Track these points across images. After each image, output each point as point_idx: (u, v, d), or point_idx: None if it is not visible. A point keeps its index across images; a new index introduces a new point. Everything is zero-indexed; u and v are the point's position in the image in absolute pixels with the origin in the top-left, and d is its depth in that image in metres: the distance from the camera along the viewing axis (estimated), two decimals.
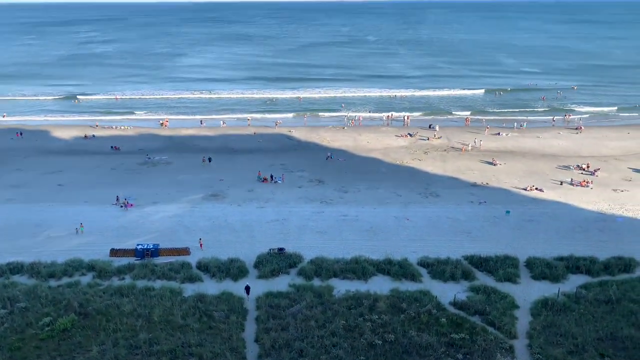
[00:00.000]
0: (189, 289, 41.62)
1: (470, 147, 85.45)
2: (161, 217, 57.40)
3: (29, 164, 78.29)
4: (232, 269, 44.35)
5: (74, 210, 59.14)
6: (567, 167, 74.71)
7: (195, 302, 38.99)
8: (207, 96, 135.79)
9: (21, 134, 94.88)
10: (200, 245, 49.36)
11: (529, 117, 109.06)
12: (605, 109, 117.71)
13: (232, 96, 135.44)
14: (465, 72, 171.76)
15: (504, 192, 65.54)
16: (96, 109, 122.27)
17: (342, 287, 41.97)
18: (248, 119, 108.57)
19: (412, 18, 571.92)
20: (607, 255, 46.66)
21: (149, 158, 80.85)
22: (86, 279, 43.45)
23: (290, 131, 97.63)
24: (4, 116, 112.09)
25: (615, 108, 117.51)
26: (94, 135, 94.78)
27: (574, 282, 42.80)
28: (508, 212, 58.16)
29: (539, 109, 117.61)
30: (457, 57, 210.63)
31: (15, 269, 44.72)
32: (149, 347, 33.41)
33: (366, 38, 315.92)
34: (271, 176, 70.45)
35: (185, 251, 48.39)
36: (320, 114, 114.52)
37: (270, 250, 47.92)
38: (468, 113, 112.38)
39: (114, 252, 48.08)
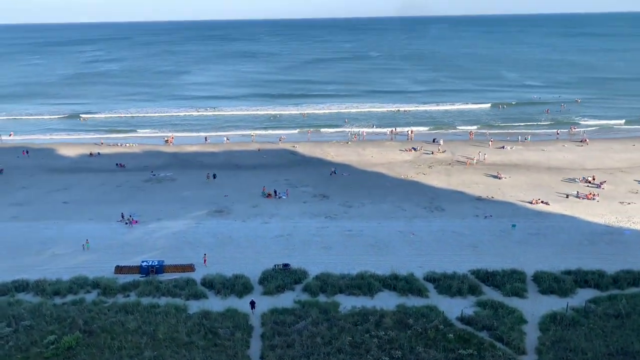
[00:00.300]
0: (194, 306, 41.37)
1: (475, 161, 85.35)
2: (166, 234, 57.36)
3: (35, 182, 78.65)
4: (237, 285, 44.11)
5: (79, 227, 59.22)
6: (573, 180, 74.39)
7: (200, 319, 38.73)
8: (211, 113, 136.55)
9: (27, 152, 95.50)
10: (205, 261, 49.20)
11: (533, 130, 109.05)
12: (611, 121, 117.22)
13: (236, 113, 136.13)
14: (468, 86, 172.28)
15: (510, 205, 65.24)
16: (101, 127, 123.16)
17: (348, 303, 41.62)
18: (252, 135, 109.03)
19: (414, 33, 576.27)
20: (616, 269, 46.15)
21: (154, 175, 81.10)
22: (91, 296, 43.30)
23: (294, 147, 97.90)
24: (10, 135, 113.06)
25: (623, 121, 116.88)
26: (99, 153, 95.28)
27: (582, 297, 42.30)
28: (514, 225, 57.81)
29: (543, 122, 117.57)
30: (460, 72, 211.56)
31: (21, 286, 44.63)
32: None
33: (369, 54, 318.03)
34: (275, 191, 70.46)
35: (190, 268, 48.23)
36: (323, 129, 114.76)
37: (275, 266, 47.68)
38: (473, 127, 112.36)
39: (119, 269, 47.97)
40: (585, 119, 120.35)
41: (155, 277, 46.47)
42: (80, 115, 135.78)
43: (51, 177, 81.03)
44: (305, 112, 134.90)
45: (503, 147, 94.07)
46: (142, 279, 46.19)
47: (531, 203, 65.34)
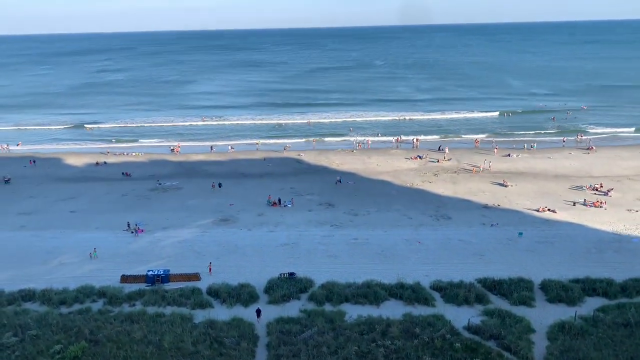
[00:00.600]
0: (200, 315, 41.28)
1: (481, 169, 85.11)
2: (171, 243, 57.42)
3: (42, 191, 79.07)
4: (243, 295, 43.99)
5: (85, 236, 59.40)
6: (580, 188, 73.97)
7: (206, 329, 38.61)
8: (217, 123, 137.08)
9: (34, 161, 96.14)
10: (210, 270, 49.16)
11: (539, 138, 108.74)
12: (619, 129, 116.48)
13: (241, 122, 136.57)
14: (474, 94, 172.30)
15: (516, 213, 64.91)
16: (107, 136, 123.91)
17: (354, 312, 41.39)
18: (257, 144, 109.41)
19: (419, 42, 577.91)
20: (625, 277, 45.72)
21: (160, 184, 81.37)
22: (97, 305, 43.32)
23: (299, 155, 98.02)
24: (19, 144, 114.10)
25: (633, 129, 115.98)
26: (105, 162, 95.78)
27: (591, 305, 41.88)
28: (521, 233, 57.48)
29: (549, 130, 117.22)
30: (465, 80, 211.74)
31: (27, 296, 44.72)
32: None
33: (374, 62, 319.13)
34: (279, 200, 70.46)
35: (195, 277, 48.19)
36: (328, 138, 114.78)
37: (280, 274, 47.56)
38: (478, 135, 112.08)
39: (125, 279, 48.01)
40: (592, 126, 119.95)
41: (161, 286, 46.46)
42: (87, 125, 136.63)
43: (58, 187, 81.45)
44: (311, 120, 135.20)
45: (509, 155, 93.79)
46: (147, 288, 46.20)
47: (538, 211, 64.97)
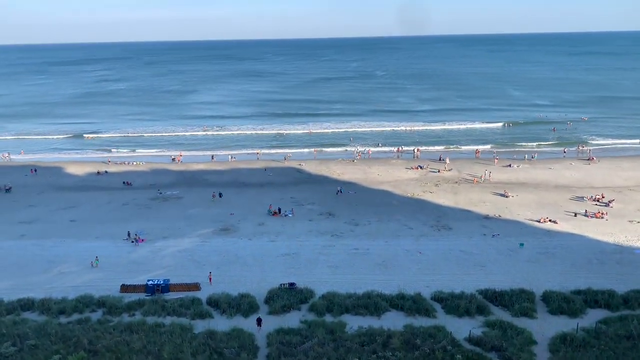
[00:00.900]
0: (199, 326, 41.06)
1: (482, 179, 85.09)
2: (172, 252, 57.28)
3: (42, 200, 79.07)
4: (243, 305, 43.78)
5: (85, 245, 59.29)
6: (581, 199, 73.87)
7: (206, 339, 38.35)
8: (218, 133, 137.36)
9: (35, 170, 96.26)
10: (210, 279, 48.99)
11: (540, 149, 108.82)
12: (621, 140, 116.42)
13: (242, 132, 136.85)
14: (474, 105, 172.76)
15: (517, 224, 64.77)
16: (108, 145, 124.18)
17: (354, 323, 41.16)
18: (258, 153, 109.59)
19: (420, 52, 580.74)
20: (627, 289, 45.48)
21: (160, 193, 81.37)
22: (96, 315, 43.11)
23: (300, 165, 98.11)
24: (21, 153, 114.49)
25: (638, 140, 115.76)
26: (106, 172, 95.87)
27: (592, 317, 41.64)
28: (522, 244, 57.32)
29: (550, 141, 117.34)
30: (466, 90, 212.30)
31: (26, 305, 44.52)
32: None
33: (375, 73, 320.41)
34: (279, 209, 70.39)
35: (195, 286, 48.01)
36: (329, 149, 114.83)
37: (281, 285, 47.37)
38: (479, 146, 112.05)
39: (125, 288, 47.84)
40: (593, 137, 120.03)
41: (161, 296, 46.29)
42: (87, 134, 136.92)
43: (59, 195, 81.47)
44: (311, 131, 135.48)
45: (510, 166, 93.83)
46: (147, 297, 46.02)
47: (539, 222, 64.84)
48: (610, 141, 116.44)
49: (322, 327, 40.15)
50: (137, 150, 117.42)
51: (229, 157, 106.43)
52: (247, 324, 41.24)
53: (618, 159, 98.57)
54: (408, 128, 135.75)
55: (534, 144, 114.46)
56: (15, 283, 49.60)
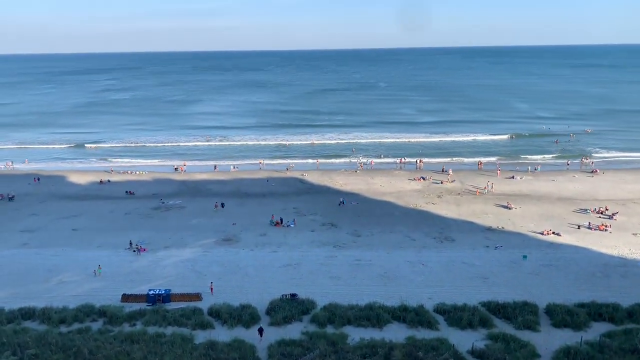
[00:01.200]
0: (200, 336, 40.83)
1: (486, 191, 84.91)
2: (173, 262, 57.13)
3: (45, 209, 79.13)
4: (244, 316, 43.54)
5: (87, 255, 59.20)
6: (584, 211, 73.55)
7: (207, 350, 38.10)
8: (221, 143, 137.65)
9: (38, 179, 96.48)
10: (211, 290, 48.79)
11: (543, 161, 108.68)
12: (625, 153, 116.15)
13: (245, 143, 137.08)
14: (477, 117, 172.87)
15: (520, 236, 64.48)
16: (112, 155, 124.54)
17: (356, 334, 40.87)
18: (260, 163, 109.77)
19: (423, 64, 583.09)
20: (631, 302, 45.08)
21: (163, 202, 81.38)
22: (97, 325, 42.92)
23: (302, 175, 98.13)
24: (26, 162, 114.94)
25: None
26: (109, 181, 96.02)
27: (596, 330, 41.27)
28: (525, 256, 57.00)
29: (553, 153, 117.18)
30: (468, 102, 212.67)
31: (27, 314, 44.37)
32: None
33: (377, 84, 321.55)
34: (281, 220, 70.27)
35: (196, 297, 47.82)
36: (332, 160, 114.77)
37: (282, 296, 47.15)
38: (482, 158, 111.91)
39: (126, 298, 47.67)
40: (597, 149, 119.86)
41: (162, 306, 46.08)
42: (91, 144, 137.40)
43: (61, 204, 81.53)
44: (314, 141, 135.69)
45: (513, 177, 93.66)
46: (148, 307, 45.81)
47: (542, 234, 64.54)
48: (613, 154, 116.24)
49: (324, 338, 39.87)
50: (139, 160, 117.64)
51: (231, 167, 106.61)
52: (248, 334, 40.99)
53: (622, 172, 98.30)
54: (411, 140, 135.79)
55: (539, 156, 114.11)
56: (17, 292, 49.48)
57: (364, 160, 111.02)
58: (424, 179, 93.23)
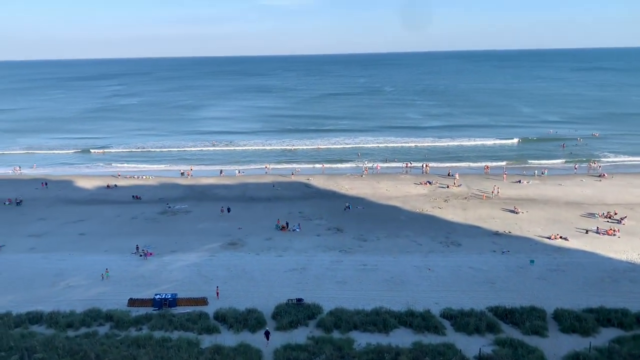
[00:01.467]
0: (206, 340, 40.83)
1: (493, 195, 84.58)
2: (180, 266, 57.22)
3: (52, 213, 79.57)
4: (250, 320, 43.51)
5: (94, 259, 59.41)
6: (592, 215, 73.06)
7: (213, 354, 38.07)
8: (227, 148, 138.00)
9: (46, 184, 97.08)
10: (217, 294, 48.81)
11: (549, 164, 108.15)
12: (633, 157, 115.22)
13: (251, 148, 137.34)
14: (483, 121, 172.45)
15: (527, 240, 64.10)
16: (119, 160, 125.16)
17: (362, 340, 40.71)
18: (266, 167, 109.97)
19: (428, 68, 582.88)
20: None
21: (169, 207, 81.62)
22: (104, 329, 43.05)
23: (308, 179, 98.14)
24: (34, 166, 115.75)
25: None
26: (116, 185, 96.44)
27: (605, 336, 40.90)
28: (532, 261, 56.64)
29: (560, 157, 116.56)
30: (474, 106, 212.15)
31: (34, 318, 44.60)
32: None
33: (383, 88, 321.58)
34: (286, 224, 70.28)
35: (202, 301, 47.85)
36: (337, 165, 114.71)
37: (288, 300, 47.07)
38: (489, 162, 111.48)
39: (132, 302, 47.78)
40: (605, 153, 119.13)
41: (168, 310, 46.16)
42: (98, 149, 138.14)
43: (68, 209, 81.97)
44: (320, 146, 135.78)
45: (520, 182, 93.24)
46: (155, 312, 45.89)
47: (550, 238, 64.14)
48: (622, 158, 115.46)
49: (330, 343, 39.76)
50: (146, 165, 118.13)
51: (237, 171, 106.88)
52: (254, 339, 40.94)
53: (630, 176, 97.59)
54: (417, 144, 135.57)
55: (546, 161, 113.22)
56: (24, 296, 49.73)
57: (370, 164, 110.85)
58: (430, 183, 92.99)
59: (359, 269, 55.49)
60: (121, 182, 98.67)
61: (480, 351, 38.41)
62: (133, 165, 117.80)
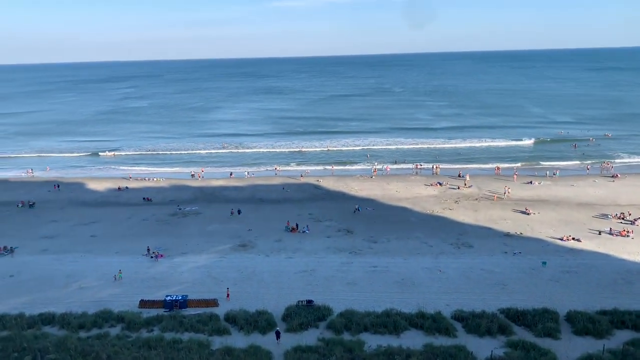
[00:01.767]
0: (217, 342, 40.91)
1: (505, 196, 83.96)
2: (190, 268, 57.44)
3: (64, 215, 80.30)
4: (260, 322, 43.51)
5: (105, 260, 59.85)
6: (605, 216, 72.24)
7: (223, 356, 38.15)
8: (237, 150, 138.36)
9: (58, 186, 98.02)
10: (227, 296, 48.91)
11: (561, 165, 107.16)
12: None
13: (261, 150, 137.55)
14: (494, 122, 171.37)
15: (539, 242, 63.52)
16: (130, 162, 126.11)
17: (373, 341, 40.56)
18: (276, 168, 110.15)
19: (438, 69, 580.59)
20: None
21: (180, 209, 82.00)
22: (115, 330, 43.30)
23: (317, 181, 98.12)
24: (47, 169, 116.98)
25: None
26: (127, 187, 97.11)
27: (619, 338, 40.34)
28: (544, 263, 56.10)
29: (572, 157, 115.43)
30: (485, 107, 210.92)
31: (47, 319, 44.98)
32: None
33: (392, 89, 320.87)
34: (296, 225, 70.29)
35: (213, 302, 47.97)
36: (347, 167, 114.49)
37: (298, 302, 47.05)
38: (500, 163, 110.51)
39: (143, 303, 48.02)
40: (618, 153, 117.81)
41: (179, 311, 46.34)
42: (109, 151, 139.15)
43: (80, 211, 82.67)
44: (329, 148, 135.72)
45: (531, 182, 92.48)
46: (166, 313, 46.10)
47: (562, 240, 63.50)
48: (635, 158, 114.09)
49: (340, 345, 39.65)
50: (157, 168, 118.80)
51: (246, 173, 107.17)
52: (264, 341, 40.95)
53: None
54: (427, 146, 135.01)
55: (557, 162, 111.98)
56: (37, 297, 50.19)
57: (379, 166, 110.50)
58: (440, 184, 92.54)
59: (369, 271, 55.33)
60: (132, 184, 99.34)
61: (492, 353, 38.09)
62: (144, 168, 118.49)
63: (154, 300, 48.34)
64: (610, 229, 66.55)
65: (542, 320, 42.58)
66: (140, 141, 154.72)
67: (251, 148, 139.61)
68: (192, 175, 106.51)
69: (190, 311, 46.51)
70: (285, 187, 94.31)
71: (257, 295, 49.54)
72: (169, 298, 47.75)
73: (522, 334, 41.55)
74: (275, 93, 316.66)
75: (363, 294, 49.51)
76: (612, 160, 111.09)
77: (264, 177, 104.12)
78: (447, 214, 76.18)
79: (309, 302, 46.93)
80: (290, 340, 40.91)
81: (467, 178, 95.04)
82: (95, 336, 41.92)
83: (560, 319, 43.52)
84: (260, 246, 64.20)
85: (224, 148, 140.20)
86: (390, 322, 42.76)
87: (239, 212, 78.65)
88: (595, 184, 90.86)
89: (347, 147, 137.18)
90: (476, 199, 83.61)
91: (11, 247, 64.92)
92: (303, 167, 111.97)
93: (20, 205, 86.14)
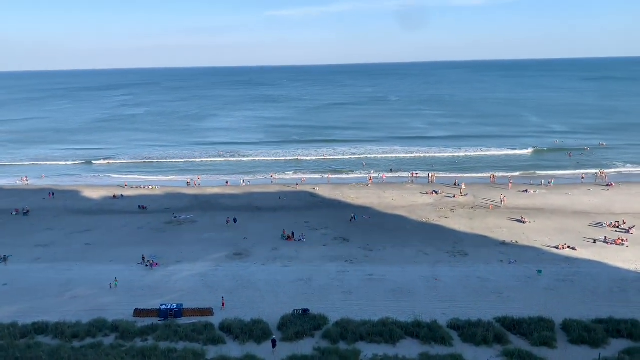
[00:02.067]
0: (212, 351, 40.65)
1: (502, 204, 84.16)
2: (185, 277, 57.16)
3: (59, 223, 79.86)
4: (256, 331, 43.30)
5: (100, 269, 59.48)
6: (600, 225, 72.50)
7: None
8: (233, 158, 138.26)
9: (53, 194, 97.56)
10: (223, 305, 48.67)
11: (556, 174, 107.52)
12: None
13: (257, 158, 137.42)
14: (489, 131, 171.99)
15: (535, 250, 63.62)
16: (125, 170, 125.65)
17: (369, 351, 40.41)
18: (272, 176, 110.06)
19: (434, 78, 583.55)
20: None
21: (175, 217, 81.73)
22: (109, 339, 42.95)
23: (314, 189, 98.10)
24: (42, 177, 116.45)
25: None
26: (122, 195, 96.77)
27: (615, 347, 40.38)
28: (540, 271, 56.16)
29: (567, 166, 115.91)
30: (480, 116, 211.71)
31: (40, 329, 44.58)
32: None
33: (388, 98, 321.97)
34: (292, 234, 70.17)
35: (208, 311, 47.72)
36: (343, 174, 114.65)
37: (294, 311, 46.87)
38: (495, 172, 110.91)
39: (138, 312, 47.72)
40: (612, 162, 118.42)
41: (174, 320, 46.05)
42: (104, 160, 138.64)
43: (75, 219, 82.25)
44: (325, 156, 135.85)
45: (526, 191, 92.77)
46: (160, 322, 45.80)
47: (557, 248, 63.64)
48: (629, 168, 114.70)
49: (336, 354, 39.49)
50: (152, 176, 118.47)
51: (241, 181, 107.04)
52: (259, 350, 40.72)
53: (638, 185, 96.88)
54: (422, 154, 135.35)
55: (555, 172, 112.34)
56: (30, 306, 49.77)
57: (375, 174, 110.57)
58: (436, 192, 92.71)
59: (365, 279, 55.22)
60: (127, 192, 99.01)
61: None
62: (139, 176, 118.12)
63: (148, 309, 48.05)
64: (605, 237, 66.78)
65: (538, 329, 42.58)
66: (136, 149, 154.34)
67: (247, 156, 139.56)
68: (188, 183, 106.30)
69: (185, 320, 46.24)
70: (281, 196, 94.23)
71: (252, 304, 49.32)
72: (163, 307, 47.48)
73: (518, 342, 41.52)
74: (271, 101, 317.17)
75: (359, 303, 49.39)
76: (607, 168, 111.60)
77: (260, 185, 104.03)
78: (443, 222, 76.25)
79: (305, 311, 46.75)
80: (285, 349, 40.71)
81: (463, 186, 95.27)
82: (89, 345, 41.59)
83: (556, 327, 43.54)
84: (256, 254, 64.01)
85: (220, 156, 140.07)
86: (386, 331, 42.65)
87: (234, 220, 78.46)
88: (590, 193, 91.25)
89: (343, 155, 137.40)
90: (472, 208, 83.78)
91: (5, 256, 64.47)
92: (299, 175, 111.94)
93: (14, 213, 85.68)
